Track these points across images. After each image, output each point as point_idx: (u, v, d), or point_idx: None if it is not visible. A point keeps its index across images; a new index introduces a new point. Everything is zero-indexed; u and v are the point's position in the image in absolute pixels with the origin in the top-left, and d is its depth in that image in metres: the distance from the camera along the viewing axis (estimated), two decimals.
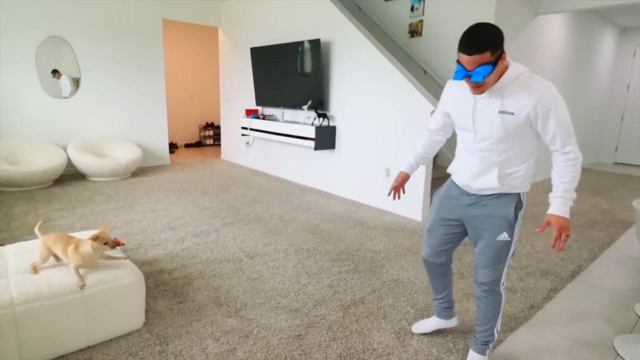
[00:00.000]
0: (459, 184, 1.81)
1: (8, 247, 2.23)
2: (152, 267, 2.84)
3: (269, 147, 6.06)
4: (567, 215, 1.56)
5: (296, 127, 4.99)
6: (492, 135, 1.62)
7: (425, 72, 5.06)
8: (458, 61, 1.52)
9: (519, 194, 1.69)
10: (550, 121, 1.52)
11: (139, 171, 5.96)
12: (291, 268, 2.89)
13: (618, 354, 2.04)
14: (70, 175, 5.43)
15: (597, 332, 2.22)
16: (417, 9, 5.11)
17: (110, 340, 2.01)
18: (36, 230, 2.12)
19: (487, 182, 1.68)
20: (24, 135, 5.16)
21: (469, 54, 1.46)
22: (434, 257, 1.96)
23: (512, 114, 1.54)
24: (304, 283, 2.67)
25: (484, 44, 1.44)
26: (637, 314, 2.42)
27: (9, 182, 4.51)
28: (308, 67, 4.91)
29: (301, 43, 4.90)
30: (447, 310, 2.10)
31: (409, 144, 4.08)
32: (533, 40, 5.14)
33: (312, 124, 4.87)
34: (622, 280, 2.87)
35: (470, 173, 1.72)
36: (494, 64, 1.46)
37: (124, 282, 2.01)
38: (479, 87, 1.54)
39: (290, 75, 5.19)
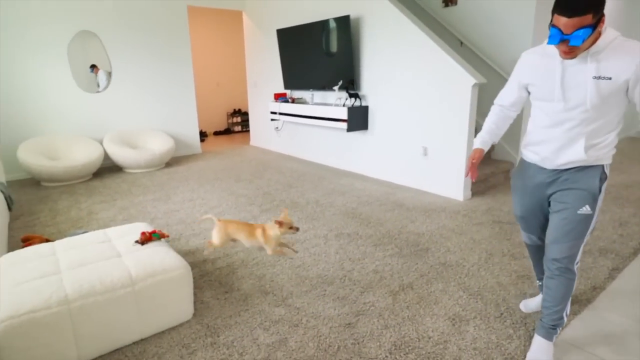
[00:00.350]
0: (535, 160, 1.73)
1: (58, 243, 2.27)
2: (195, 257, 2.84)
3: (299, 131, 5.97)
4: None
5: (327, 109, 4.87)
6: (584, 103, 1.52)
7: (462, 43, 4.78)
8: (552, 24, 1.42)
9: (602, 166, 1.62)
10: None
11: (172, 161, 6.03)
12: (333, 254, 2.83)
13: None
14: (108, 168, 5.56)
15: None
16: None
17: (162, 332, 2.02)
18: (209, 216, 2.55)
19: (572, 155, 1.59)
20: (59, 131, 5.29)
21: (568, 16, 1.36)
22: (537, 240, 1.91)
23: (610, 78, 1.46)
24: (348, 269, 2.61)
25: (587, 5, 1.34)
26: None
27: (51, 177, 4.65)
28: (337, 46, 4.74)
29: (329, 21, 4.72)
30: None
31: (448, 120, 3.88)
32: None
33: (343, 105, 4.73)
34: None
35: (553, 146, 1.63)
36: (594, 27, 1.37)
37: (172, 274, 2.00)
38: (572, 52, 1.46)
39: (319, 56, 5.04)
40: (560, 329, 1.80)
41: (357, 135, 4.96)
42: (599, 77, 1.47)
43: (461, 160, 3.84)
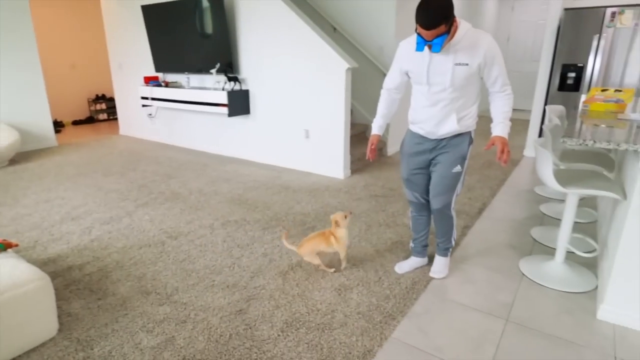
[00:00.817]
0: (421, 133, 2.06)
1: None
2: (57, 265, 2.47)
3: (176, 117, 5.57)
4: (506, 135, 1.91)
5: (206, 93, 4.63)
6: (449, 85, 1.86)
7: (335, 29, 4.99)
8: (417, 32, 1.71)
9: (470, 132, 2.03)
10: (494, 67, 1.84)
11: (19, 157, 5.08)
12: (220, 243, 2.75)
13: (523, 273, 2.34)
14: None
15: (506, 258, 2.52)
16: None
17: (20, 356, 1.72)
18: (289, 245, 2.37)
19: (449, 127, 1.95)
20: None
21: (427, 29, 1.66)
22: (421, 198, 2.22)
23: (467, 64, 1.81)
24: (237, 256, 2.57)
25: (439, 20, 1.63)
26: (532, 238, 2.80)
27: None
28: (211, 26, 4.50)
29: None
30: (424, 248, 2.39)
31: (326, 103, 4.04)
32: None
33: (223, 89, 4.55)
34: (519, 211, 3.28)
35: (433, 121, 1.97)
36: (449, 32, 1.70)
37: (26, 288, 1.70)
38: (428, 47, 1.77)
39: (192, 37, 4.73)
40: (452, 249, 2.34)
41: (239, 120, 4.85)
42: (459, 64, 1.82)
43: (340, 141, 4.05)
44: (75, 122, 7.61)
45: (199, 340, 1.81)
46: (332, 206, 3.39)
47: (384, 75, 4.75)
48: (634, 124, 2.16)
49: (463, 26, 1.80)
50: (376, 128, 2.20)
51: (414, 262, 2.40)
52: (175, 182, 4.07)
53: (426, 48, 1.81)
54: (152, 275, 2.36)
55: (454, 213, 2.18)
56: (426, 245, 2.39)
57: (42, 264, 2.48)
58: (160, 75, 5.46)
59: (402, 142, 2.22)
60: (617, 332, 1.84)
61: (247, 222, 3.09)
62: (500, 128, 1.91)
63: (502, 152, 1.87)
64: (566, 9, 4.32)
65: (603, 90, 2.78)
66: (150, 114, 5.88)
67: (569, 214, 2.22)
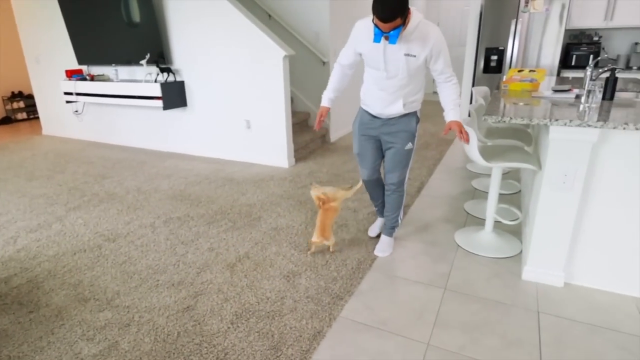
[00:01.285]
0: (371, 112, 2.18)
1: None
2: None
3: (106, 113, 5.22)
4: (460, 119, 2.05)
5: (137, 85, 4.37)
6: (399, 73, 1.97)
7: (270, 16, 4.90)
8: (374, 24, 1.78)
9: (416, 112, 2.18)
10: (440, 59, 1.96)
11: None
12: (163, 241, 2.66)
13: (458, 245, 2.52)
14: None
15: (443, 232, 2.69)
16: None
17: None
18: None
19: (395, 110, 2.09)
20: None
21: (384, 22, 1.73)
22: (372, 174, 2.37)
23: (415, 56, 1.92)
24: (181, 253, 2.50)
25: (396, 13, 1.71)
26: (465, 211, 3.01)
27: None
28: (138, 15, 4.24)
29: None
30: (384, 209, 2.51)
31: (265, 92, 4.00)
32: None
33: (155, 81, 4.32)
34: (454, 187, 3.50)
35: (382, 104, 2.10)
36: (404, 24, 1.79)
37: None
38: (385, 38, 1.85)
39: (117, 25, 4.42)
40: (397, 229, 2.49)
41: (176, 112, 4.65)
42: (408, 55, 1.92)
43: (282, 130, 4.04)
44: None
45: (145, 342, 1.75)
46: (278, 195, 3.39)
47: (322, 62, 4.79)
48: (546, 101, 2.37)
49: (415, 17, 1.86)
50: (326, 100, 2.27)
51: (381, 222, 2.61)
52: (110, 182, 3.83)
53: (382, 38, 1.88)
54: (90, 281, 2.23)
55: (405, 188, 2.36)
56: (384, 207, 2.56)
57: None
58: (84, 68, 5.07)
59: (354, 119, 2.33)
60: (539, 290, 2.05)
61: (190, 217, 3.01)
62: (452, 114, 2.04)
63: (461, 132, 2.01)
64: None
65: (520, 71, 3.01)
66: (76, 111, 5.45)
67: (494, 187, 2.41)
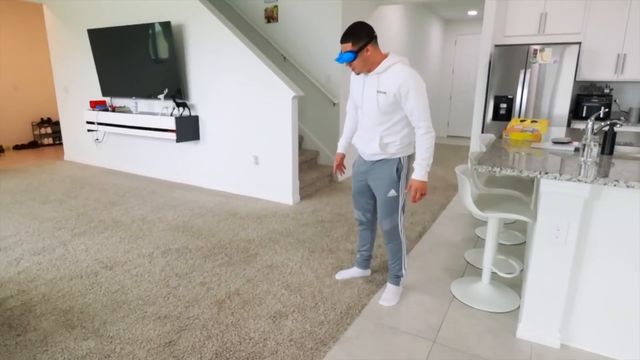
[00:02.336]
0: (359, 153, 2.27)
1: None
2: None
3: (124, 143, 5.45)
4: (423, 178, 2.07)
5: (153, 118, 4.58)
6: (373, 109, 2.06)
7: (285, 58, 5.14)
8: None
9: (399, 158, 2.15)
10: (409, 100, 1.98)
11: None
12: (158, 272, 2.69)
13: (453, 295, 2.45)
14: None
15: (439, 281, 2.63)
16: None
17: None
18: None
19: (372, 148, 2.12)
20: None
21: (340, 42, 1.96)
22: (362, 216, 2.41)
23: (385, 93, 2.00)
24: (173, 286, 2.51)
25: (347, 36, 1.92)
26: (465, 260, 2.95)
27: None
28: (160, 53, 4.51)
29: (150, 25, 4.46)
30: (366, 261, 2.59)
31: (274, 130, 4.12)
32: (377, 28, 5.65)
33: (171, 114, 4.52)
34: (456, 234, 3.45)
35: (362, 141, 2.19)
36: (356, 52, 1.93)
37: None
38: (353, 69, 2.04)
39: (140, 62, 4.70)
40: (403, 278, 2.41)
41: (188, 145, 4.82)
42: (379, 91, 2.02)
43: (289, 167, 4.12)
44: (17, 147, 7.23)
45: None
46: (278, 232, 3.41)
47: (332, 103, 4.93)
48: (545, 152, 2.37)
49: (391, 59, 1.99)
50: (340, 147, 2.44)
51: (354, 271, 2.62)
52: (118, 210, 3.94)
53: (362, 74, 2.09)
54: (80, 308, 2.26)
55: (402, 236, 2.29)
56: (368, 259, 2.60)
57: None
58: (107, 99, 5.36)
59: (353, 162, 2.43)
60: (534, 350, 1.96)
61: (189, 250, 3.04)
62: (417, 170, 2.08)
63: (414, 198, 2.10)
64: (496, 45, 4.72)
65: (522, 121, 3.03)
66: (97, 139, 5.71)
67: (491, 237, 2.37)
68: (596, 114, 2.68)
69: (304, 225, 3.59)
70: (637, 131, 3.92)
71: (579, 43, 4.38)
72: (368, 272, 2.64)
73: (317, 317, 2.20)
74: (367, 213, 2.41)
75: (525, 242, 3.20)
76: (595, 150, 2.07)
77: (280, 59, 5.15)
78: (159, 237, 3.27)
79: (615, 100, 4.76)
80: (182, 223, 3.60)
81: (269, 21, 5.20)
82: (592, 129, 2.61)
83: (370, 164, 2.21)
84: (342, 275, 2.61)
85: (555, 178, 1.78)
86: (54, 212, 3.85)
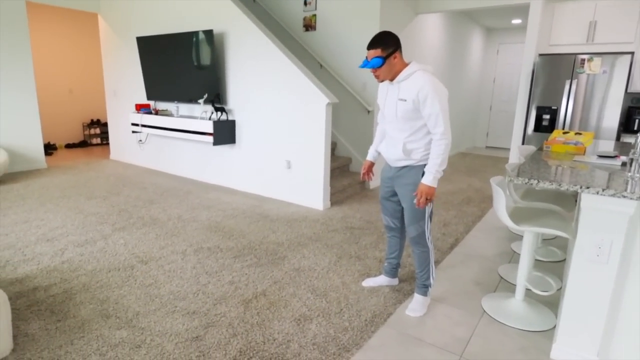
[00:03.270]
0: (385, 158, 2.27)
1: None
2: (24, 286, 2.49)
3: (164, 144, 5.70)
4: (431, 184, 2.05)
5: (193, 122, 4.77)
6: (395, 117, 2.10)
7: (321, 65, 5.20)
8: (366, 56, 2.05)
9: (424, 165, 2.12)
10: (427, 106, 1.98)
11: (5, 178, 5.14)
12: (190, 269, 2.78)
13: (484, 310, 2.37)
14: None
15: (470, 295, 2.55)
16: (309, 3, 5.21)
17: None
18: None
19: (396, 153, 2.14)
20: None
21: (368, 49, 2.02)
22: (390, 222, 2.41)
23: (405, 100, 2.03)
24: (203, 283, 2.59)
25: (376, 43, 1.98)
26: (499, 275, 2.84)
27: None
28: (202, 59, 4.71)
29: (193, 34, 4.67)
30: (394, 269, 2.56)
31: (308, 135, 4.17)
32: (415, 37, 5.62)
33: (209, 119, 4.69)
34: (490, 248, 3.33)
35: (387, 147, 2.22)
36: (384, 58, 1.98)
37: None
38: (377, 77, 2.08)
39: (183, 68, 4.92)
40: (431, 288, 2.35)
41: (225, 148, 4.96)
42: (400, 99, 2.06)
43: (320, 173, 4.15)
44: (69, 145, 7.73)
45: None
46: (307, 236, 3.43)
47: (367, 110, 4.93)
48: (590, 166, 2.26)
49: (412, 68, 2.04)
50: (369, 155, 2.47)
51: (381, 279, 2.59)
52: (156, 208, 4.12)
53: (387, 82, 2.14)
54: (116, 299, 2.38)
55: (430, 244, 2.27)
56: (396, 267, 2.57)
57: (8, 284, 2.49)
58: (151, 103, 5.63)
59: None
60: None
61: (220, 249, 3.13)
62: (426, 175, 2.07)
63: (419, 202, 2.08)
64: (540, 55, 4.56)
65: (565, 133, 2.90)
66: (140, 140, 6.00)
67: (526, 252, 2.28)
68: None
69: (333, 231, 3.59)
70: None
71: (632, 53, 4.15)
72: (396, 280, 2.61)
73: (342, 322, 2.19)
74: (395, 219, 2.40)
75: (564, 259, 3.04)
76: None
77: (317, 66, 5.22)
78: (193, 236, 3.38)
79: None
80: (215, 223, 3.71)
81: (307, 29, 5.29)
82: None
83: (396, 170, 2.22)
84: (369, 282, 2.59)
85: (598, 193, 1.69)
86: (97, 207, 4.08)
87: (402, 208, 2.32)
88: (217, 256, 3.00)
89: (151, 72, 5.34)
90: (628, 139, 4.35)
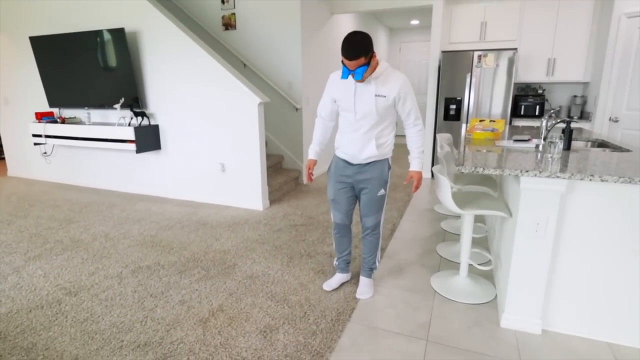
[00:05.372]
0: (345, 157, 2.14)
1: None
2: None
3: (75, 155, 4.88)
4: (421, 169, 2.15)
5: (110, 129, 4.13)
6: (370, 113, 1.99)
7: (245, 65, 4.88)
8: (343, 63, 1.85)
9: (387, 159, 2.15)
10: (407, 102, 2.00)
11: None
12: (130, 294, 2.37)
13: (435, 290, 2.40)
14: None
15: (419, 277, 2.57)
16: (227, 1, 4.82)
17: None
18: None
19: (369, 152, 2.05)
20: None
21: (350, 60, 1.81)
22: (345, 219, 2.27)
23: (385, 96, 1.96)
24: (150, 308, 2.22)
25: (360, 52, 1.80)
26: (438, 254, 2.92)
27: None
28: (113, 60, 4.07)
29: (100, 33, 4.01)
30: (347, 265, 2.45)
31: (241, 136, 3.87)
32: (330, 36, 5.56)
33: (129, 124, 4.10)
34: (424, 229, 3.43)
35: (356, 146, 2.06)
36: (368, 64, 1.85)
37: None
38: (360, 80, 1.92)
39: (92, 70, 4.22)
40: (376, 270, 2.40)
41: (149, 155, 4.41)
42: (378, 95, 1.97)
43: (257, 173, 3.89)
44: None
45: None
46: (253, 240, 3.18)
47: (295, 108, 4.76)
48: (508, 149, 2.38)
49: (383, 64, 1.97)
50: (312, 153, 2.30)
51: (340, 277, 2.45)
52: (76, 228, 3.49)
53: (351, 78, 1.98)
54: (45, 343, 1.91)
55: (382, 231, 2.30)
56: (349, 262, 2.47)
57: None
58: (55, 110, 4.77)
59: (329, 166, 2.28)
60: (519, 339, 1.94)
61: (161, 266, 2.73)
62: (416, 163, 2.14)
63: (417, 187, 2.15)
64: (443, 52, 4.81)
65: (481, 121, 3.07)
66: (45, 153, 5.07)
67: (467, 233, 2.34)
68: (548, 114, 2.76)
69: (278, 231, 3.39)
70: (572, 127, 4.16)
71: (515, 49, 4.58)
72: (349, 275, 2.51)
73: (309, 327, 2.03)
74: (350, 215, 2.30)
75: (487, 232, 3.25)
76: (561, 146, 2.10)
77: (241, 66, 4.89)
78: (126, 255, 2.92)
79: (546, 100, 5.05)
80: (150, 237, 3.26)
81: (227, 28, 4.91)
82: (547, 126, 2.68)
83: (360, 167, 2.13)
84: (330, 285, 2.40)
85: (536, 175, 1.76)
86: (1, 235, 3.32)
87: (353, 200, 2.24)
88: (160, 274, 2.61)
89: (52, 76, 4.50)
90: (517, 122, 4.84)
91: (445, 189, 2.14)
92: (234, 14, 4.81)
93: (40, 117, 4.61)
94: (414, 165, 2.15)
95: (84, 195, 4.51)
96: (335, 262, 2.47)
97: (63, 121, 4.54)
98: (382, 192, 2.15)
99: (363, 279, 2.38)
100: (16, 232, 3.40)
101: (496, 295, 2.31)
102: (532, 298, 1.95)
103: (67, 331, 2.01)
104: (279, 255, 2.89)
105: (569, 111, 4.82)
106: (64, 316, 2.14)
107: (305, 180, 2.36)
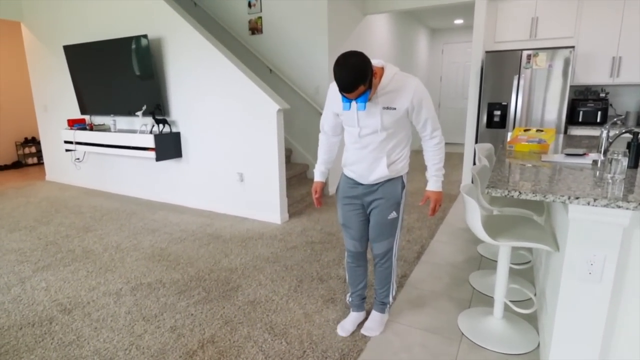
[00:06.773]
0: (353, 176, 1.88)
1: None
2: None
3: (104, 162, 5.00)
4: (440, 189, 1.87)
5: (131, 136, 4.15)
6: (380, 129, 1.72)
7: (271, 70, 4.75)
8: (342, 94, 1.58)
9: (402, 177, 1.87)
10: (422, 111, 1.71)
11: None
12: (123, 315, 2.24)
13: (462, 332, 2.04)
14: None
15: (444, 313, 2.22)
16: (254, 5, 4.74)
17: None
18: None
19: (380, 172, 1.78)
20: None
21: (348, 92, 1.54)
22: (359, 246, 1.99)
23: (395, 109, 1.68)
24: (138, 334, 2.07)
25: (357, 83, 1.50)
26: (471, 285, 2.54)
27: None
28: (137, 67, 4.10)
29: (125, 40, 4.05)
30: (362, 301, 2.13)
31: (260, 145, 3.71)
32: (363, 37, 5.30)
33: (150, 132, 4.10)
34: (457, 253, 3.05)
35: (365, 164, 1.80)
36: (370, 87, 1.57)
37: None
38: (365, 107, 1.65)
39: (118, 77, 4.28)
40: (389, 305, 2.10)
41: (170, 164, 4.38)
42: (387, 108, 1.68)
43: (275, 184, 3.70)
44: (0, 168, 6.73)
45: None
46: (264, 258, 2.98)
47: (321, 114, 4.53)
48: (557, 166, 1.99)
49: (389, 71, 1.67)
50: (318, 175, 2.05)
51: (355, 317, 2.11)
52: (91, 237, 3.49)
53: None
54: None
55: (395, 261, 2.00)
56: (364, 298, 2.14)
57: None
58: (87, 117, 4.92)
59: (337, 186, 2.03)
60: None
61: (162, 284, 2.60)
62: (433, 182, 1.87)
63: (434, 209, 1.87)
64: (487, 52, 4.38)
65: (526, 130, 2.66)
66: (77, 159, 5.25)
67: (502, 267, 1.97)
68: (611, 122, 2.31)
69: (292, 248, 3.17)
70: None
71: (572, 47, 4.05)
72: (364, 314, 2.14)
73: None
74: (364, 242, 2.00)
75: (531, 262, 2.81)
76: (625, 163, 1.69)
77: (266, 71, 4.76)
78: (131, 269, 2.83)
79: (610, 105, 4.43)
80: (159, 250, 3.16)
81: (253, 33, 4.81)
82: (607, 138, 2.24)
83: (369, 186, 1.86)
84: (346, 329, 2.04)
85: (589, 204, 1.38)
86: (20, 242, 3.39)
87: (367, 223, 1.95)
88: (158, 294, 2.48)
89: (83, 83, 4.64)
90: (574, 131, 4.27)
91: (474, 213, 1.80)
92: (260, 17, 4.71)
93: (72, 123, 4.76)
94: (432, 185, 1.86)
95: (108, 202, 4.58)
96: (348, 298, 2.15)
97: (91, 128, 4.66)
98: (393, 215, 1.86)
99: (374, 313, 2.10)
100: (35, 239, 3.46)
101: (539, 344, 1.91)
102: (583, 355, 1.56)
103: (49, 355, 1.91)
104: (288, 278, 2.66)
105: (638, 118, 4.18)
106: (50, 337, 2.05)
107: (315, 201, 2.06)
